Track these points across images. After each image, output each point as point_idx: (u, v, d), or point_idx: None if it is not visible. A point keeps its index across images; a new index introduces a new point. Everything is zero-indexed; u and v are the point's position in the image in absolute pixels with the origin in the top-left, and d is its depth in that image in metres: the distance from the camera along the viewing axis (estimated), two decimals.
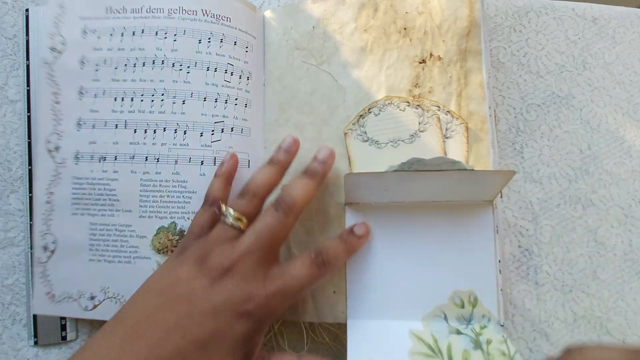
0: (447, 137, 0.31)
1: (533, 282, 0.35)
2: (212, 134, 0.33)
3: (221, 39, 0.34)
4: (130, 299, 0.25)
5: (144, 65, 0.34)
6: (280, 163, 0.30)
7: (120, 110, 0.34)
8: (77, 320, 0.38)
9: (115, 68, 0.34)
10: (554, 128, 0.37)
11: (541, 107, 0.37)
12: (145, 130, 0.33)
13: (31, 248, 0.35)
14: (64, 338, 0.37)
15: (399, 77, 0.32)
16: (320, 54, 0.35)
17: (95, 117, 0.34)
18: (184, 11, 0.34)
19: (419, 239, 0.30)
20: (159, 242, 0.32)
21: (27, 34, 0.41)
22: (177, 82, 0.33)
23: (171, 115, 0.33)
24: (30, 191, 0.38)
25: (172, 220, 0.32)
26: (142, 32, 0.34)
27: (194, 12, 0.34)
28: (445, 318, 0.29)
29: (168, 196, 0.33)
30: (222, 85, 0.34)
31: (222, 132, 0.33)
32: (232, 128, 0.34)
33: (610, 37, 0.38)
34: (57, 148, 0.34)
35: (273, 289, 0.25)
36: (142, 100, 0.33)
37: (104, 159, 0.33)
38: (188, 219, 0.33)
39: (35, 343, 0.37)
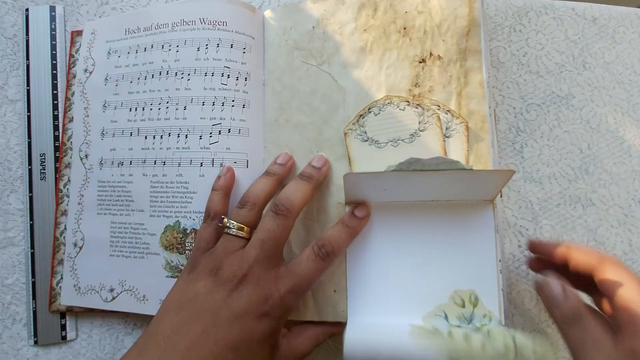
0: (447, 137, 0.31)
1: (533, 282, 0.35)
2: (211, 136, 0.35)
3: (217, 44, 0.36)
4: (154, 319, 0.27)
5: (152, 77, 0.37)
6: (276, 174, 0.32)
7: (134, 119, 0.37)
8: (77, 320, 0.38)
9: (131, 82, 0.38)
10: (554, 128, 0.37)
11: (541, 107, 0.37)
12: (154, 136, 0.36)
13: (55, 248, 0.38)
14: (63, 338, 0.37)
15: (398, 76, 0.32)
16: (320, 54, 0.35)
17: (115, 126, 0.37)
18: (184, 23, 0.36)
19: (419, 239, 0.30)
20: (166, 240, 0.35)
21: (27, 34, 0.41)
22: (179, 89, 0.36)
23: (174, 120, 0.36)
24: (30, 191, 0.38)
25: (177, 219, 0.35)
26: (152, 47, 0.37)
27: (193, 22, 0.36)
28: (446, 317, 0.29)
29: (173, 196, 0.35)
30: (219, 89, 0.35)
31: (220, 134, 0.35)
32: (229, 129, 0.35)
33: (610, 37, 0.38)
34: (86, 156, 0.38)
35: (285, 288, 0.26)
36: (151, 109, 0.36)
37: (122, 163, 0.37)
38: (190, 218, 0.34)
39: (35, 343, 0.37)
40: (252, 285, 0.26)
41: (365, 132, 0.32)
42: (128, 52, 0.38)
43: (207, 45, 0.36)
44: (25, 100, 0.40)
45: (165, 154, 0.35)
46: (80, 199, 0.37)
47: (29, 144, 0.39)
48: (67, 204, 0.38)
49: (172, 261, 0.34)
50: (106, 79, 0.38)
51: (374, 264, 0.30)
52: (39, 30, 0.41)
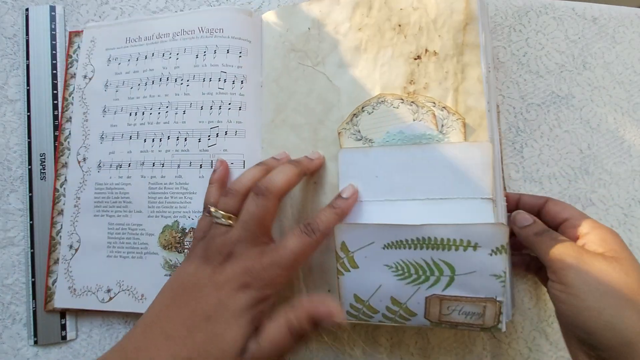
0: (442, 134, 0.30)
1: (533, 282, 0.35)
2: (209, 139, 0.36)
3: (215, 50, 0.37)
4: (151, 303, 0.28)
5: (153, 83, 0.38)
6: (267, 165, 0.32)
7: (134, 123, 0.38)
8: (77, 320, 0.38)
9: (131, 88, 0.39)
10: (554, 128, 0.37)
11: (541, 107, 0.37)
12: (153, 139, 0.37)
13: (51, 247, 0.38)
14: (63, 338, 0.37)
15: (393, 74, 0.32)
16: (315, 55, 0.35)
17: (115, 130, 0.38)
18: (184, 32, 0.38)
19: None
20: (165, 239, 0.36)
21: (27, 34, 0.41)
22: (178, 95, 0.37)
23: (174, 124, 0.37)
24: (30, 191, 0.38)
25: (176, 219, 0.36)
26: (153, 55, 0.39)
27: (192, 31, 0.38)
28: None
29: (172, 197, 0.36)
30: (216, 93, 0.37)
31: (217, 136, 0.36)
32: (226, 132, 0.36)
33: (610, 36, 0.38)
34: (84, 159, 0.39)
35: (267, 260, 0.27)
36: (151, 114, 0.38)
37: (120, 166, 0.38)
38: (189, 217, 0.35)
39: (35, 342, 0.37)
40: (236, 260, 0.27)
41: (359, 131, 0.32)
42: (129, 60, 0.39)
43: (205, 52, 0.37)
44: (25, 100, 0.40)
45: (164, 156, 0.37)
46: (77, 201, 0.38)
47: (29, 143, 0.39)
48: (64, 204, 0.38)
49: (170, 260, 0.35)
50: (106, 85, 0.39)
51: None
52: (39, 30, 0.41)
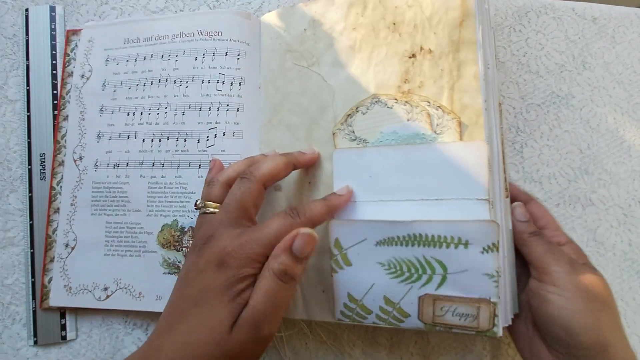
0: (437, 133, 0.30)
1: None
2: (207, 139, 0.37)
3: (213, 53, 0.38)
4: None
5: (152, 84, 0.39)
6: (254, 159, 0.32)
7: (132, 123, 0.38)
8: (76, 320, 0.38)
9: (129, 88, 0.39)
10: (554, 128, 0.37)
11: (541, 107, 0.37)
12: (152, 139, 0.38)
13: (47, 245, 0.38)
14: (63, 338, 0.37)
15: (387, 73, 0.32)
16: (310, 55, 0.34)
17: (112, 130, 0.39)
18: (183, 35, 0.39)
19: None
20: (163, 238, 0.36)
21: (27, 34, 0.41)
22: (177, 96, 0.38)
23: (173, 125, 0.37)
24: (30, 191, 0.38)
25: (175, 218, 0.36)
26: (151, 56, 0.39)
27: (192, 33, 0.39)
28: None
29: (171, 197, 0.36)
30: (215, 95, 0.37)
31: (215, 137, 0.37)
32: (224, 132, 0.36)
33: (610, 36, 0.38)
34: (81, 158, 0.39)
35: (246, 237, 0.27)
36: (149, 114, 0.38)
37: (118, 165, 0.38)
38: (188, 216, 0.36)
39: (35, 343, 0.37)
40: (215, 241, 0.27)
41: (354, 132, 0.32)
42: (127, 60, 0.39)
43: (204, 54, 0.38)
44: (25, 100, 0.40)
45: (164, 156, 0.37)
46: (73, 200, 0.38)
47: (29, 143, 0.39)
48: (60, 202, 0.38)
49: (169, 258, 0.36)
50: (104, 85, 0.39)
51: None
52: (39, 30, 0.41)
